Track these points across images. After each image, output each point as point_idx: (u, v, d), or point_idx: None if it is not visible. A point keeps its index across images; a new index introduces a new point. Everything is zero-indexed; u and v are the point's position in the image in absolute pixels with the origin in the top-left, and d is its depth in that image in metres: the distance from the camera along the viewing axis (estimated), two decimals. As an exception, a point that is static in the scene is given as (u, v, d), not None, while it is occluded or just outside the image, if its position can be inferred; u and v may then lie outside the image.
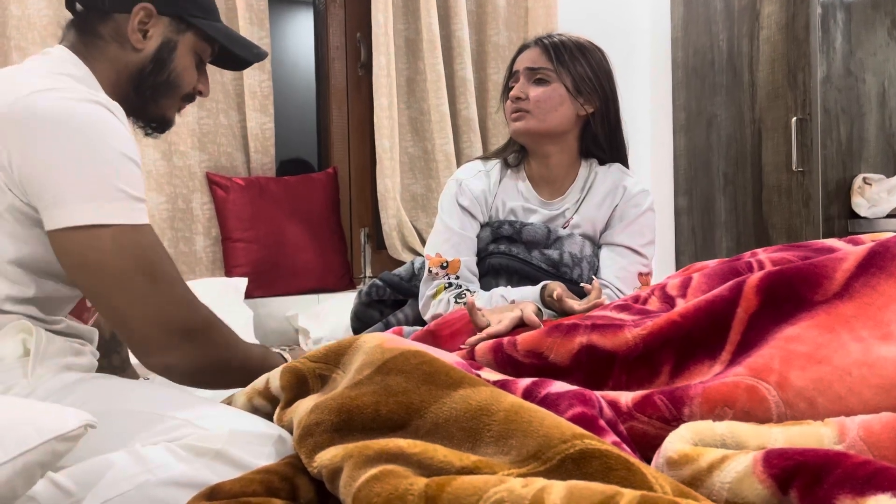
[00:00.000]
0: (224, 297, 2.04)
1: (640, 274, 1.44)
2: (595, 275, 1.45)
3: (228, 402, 0.96)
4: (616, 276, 1.43)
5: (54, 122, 0.88)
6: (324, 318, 2.07)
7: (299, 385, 0.88)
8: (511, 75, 1.50)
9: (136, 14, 1.03)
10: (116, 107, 0.97)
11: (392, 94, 2.38)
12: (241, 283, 2.15)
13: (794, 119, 2.18)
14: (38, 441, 0.66)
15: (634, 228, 1.46)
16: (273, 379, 0.90)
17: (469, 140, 2.50)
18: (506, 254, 1.42)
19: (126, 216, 0.89)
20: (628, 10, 2.80)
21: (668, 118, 2.75)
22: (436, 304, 1.41)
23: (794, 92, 2.20)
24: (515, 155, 1.52)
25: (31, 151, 0.87)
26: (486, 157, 1.56)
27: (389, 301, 1.61)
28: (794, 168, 2.20)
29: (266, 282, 2.25)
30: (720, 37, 2.49)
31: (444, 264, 1.40)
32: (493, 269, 1.44)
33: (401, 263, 2.50)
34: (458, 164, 2.49)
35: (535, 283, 1.33)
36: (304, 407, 0.81)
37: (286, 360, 1.06)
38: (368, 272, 2.56)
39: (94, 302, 0.95)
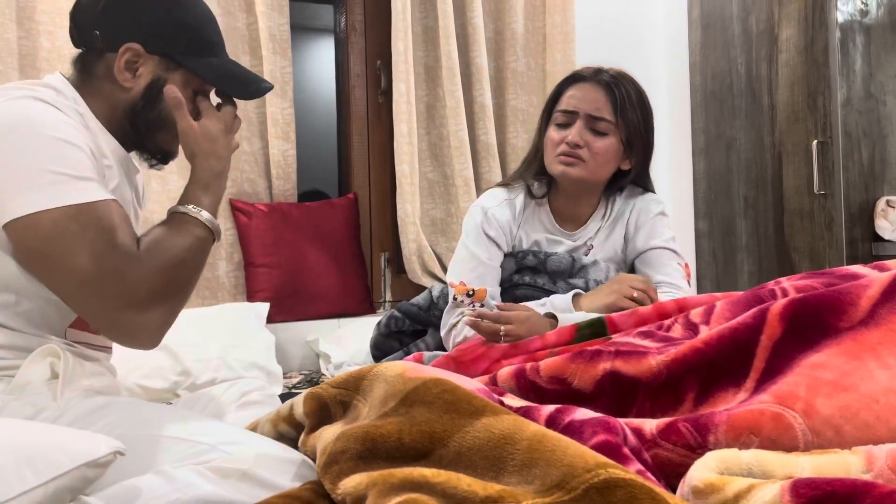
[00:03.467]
0: (246, 322, 2.06)
1: (679, 265, 1.46)
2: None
3: (254, 427, 0.97)
4: (662, 275, 1.44)
5: None
6: (345, 342, 2.08)
7: (322, 411, 0.88)
8: (557, 100, 1.43)
9: (123, 54, 1.05)
10: (52, 95, 0.98)
11: (412, 120, 2.41)
12: (263, 307, 2.17)
13: (815, 142, 2.18)
14: (70, 466, 0.67)
15: (652, 231, 1.48)
16: (297, 405, 0.91)
17: (488, 165, 2.51)
18: (531, 285, 1.40)
19: (62, 197, 0.89)
20: (645, 34, 2.82)
21: (687, 142, 2.75)
22: (457, 332, 1.40)
23: (815, 115, 2.20)
24: (540, 185, 1.49)
25: None
26: (507, 184, 1.52)
27: (409, 331, 1.61)
28: (815, 191, 2.18)
29: (287, 306, 2.27)
30: (738, 60, 2.50)
31: (470, 293, 1.38)
32: (517, 301, 1.41)
33: (421, 288, 2.51)
34: (477, 188, 2.50)
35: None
36: (328, 434, 0.81)
37: (206, 222, 1.01)
38: (388, 296, 2.57)
39: (56, 293, 0.95)
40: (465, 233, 1.47)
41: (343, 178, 2.66)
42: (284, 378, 1.99)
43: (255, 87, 1.15)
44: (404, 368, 0.81)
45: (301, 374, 2.11)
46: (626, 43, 2.77)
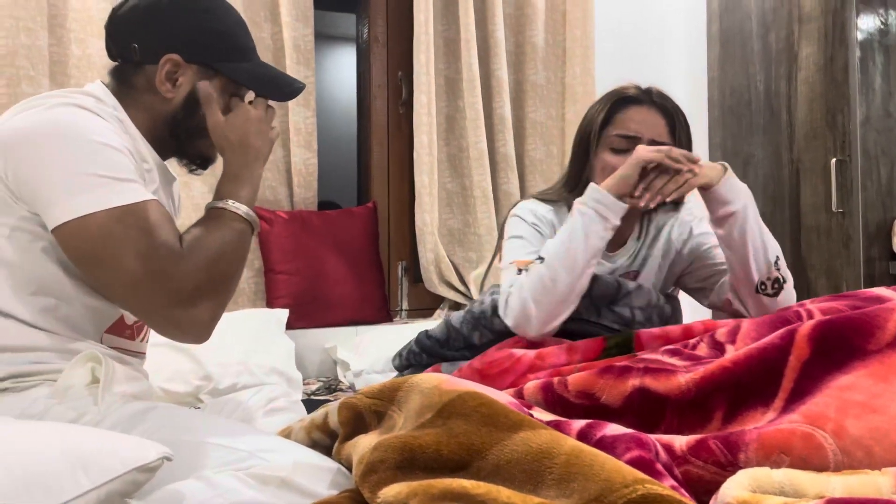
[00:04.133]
0: (266, 328, 2.09)
1: None
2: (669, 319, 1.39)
3: (287, 433, 1.00)
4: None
5: (29, 134, 0.94)
6: (363, 350, 2.10)
7: (356, 420, 0.91)
8: (606, 121, 1.34)
9: (163, 66, 1.08)
10: (93, 102, 1.01)
11: (432, 131, 2.43)
12: (283, 314, 2.19)
13: (833, 160, 2.19)
14: (122, 471, 0.69)
15: (700, 240, 1.46)
16: (332, 414, 0.93)
17: (506, 176, 2.54)
18: (573, 318, 1.28)
19: (107, 200, 0.92)
20: (664, 49, 2.84)
21: (704, 157, 2.77)
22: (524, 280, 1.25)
23: (834, 133, 2.21)
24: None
25: (18, 165, 0.93)
26: (545, 199, 1.45)
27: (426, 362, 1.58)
28: (833, 209, 2.20)
29: (306, 313, 2.29)
30: (757, 77, 2.52)
31: (538, 259, 1.25)
32: (559, 333, 1.29)
33: (438, 297, 2.54)
34: (496, 199, 2.53)
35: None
36: (364, 443, 0.83)
37: (244, 216, 1.03)
38: (405, 305, 2.59)
39: (104, 293, 0.98)
40: (512, 231, 1.39)
41: (362, 187, 2.68)
42: (303, 384, 2.01)
43: (289, 89, 1.17)
44: (440, 381, 0.83)
45: (319, 381, 2.13)
46: (645, 57, 2.79)
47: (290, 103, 2.32)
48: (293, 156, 2.34)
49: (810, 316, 0.98)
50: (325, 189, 2.47)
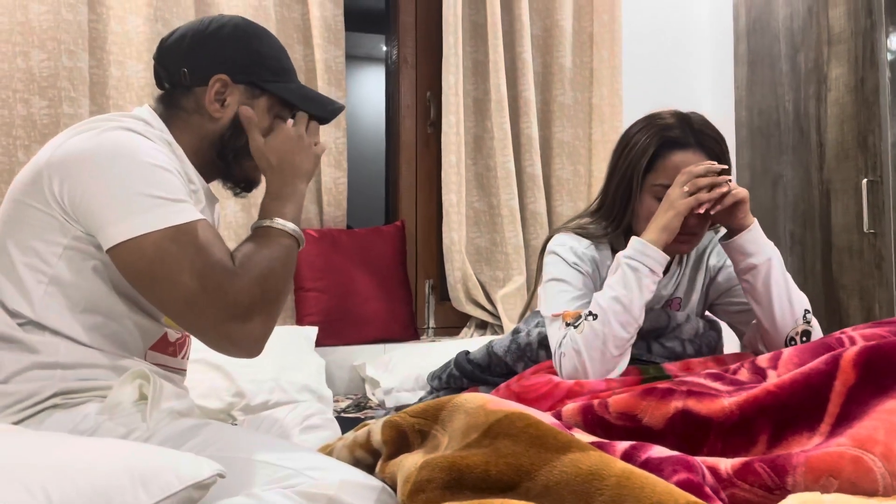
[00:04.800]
0: (297, 346, 2.11)
1: None
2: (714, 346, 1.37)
3: (329, 451, 1.01)
4: None
5: (83, 157, 0.97)
6: (392, 368, 2.11)
7: (400, 439, 0.92)
8: (650, 164, 1.29)
9: (213, 86, 1.11)
10: (142, 126, 1.04)
11: (460, 151, 2.46)
12: (312, 331, 2.21)
13: (864, 181, 2.18)
14: (179, 487, 0.71)
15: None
16: (375, 432, 0.94)
17: (533, 195, 2.55)
18: None
19: (161, 220, 0.95)
20: (690, 69, 2.85)
21: (732, 177, 2.75)
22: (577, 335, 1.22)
23: (865, 154, 2.20)
24: (622, 239, 1.36)
25: (73, 187, 0.96)
26: (584, 234, 1.39)
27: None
28: (865, 230, 2.18)
29: (335, 331, 2.31)
30: (786, 98, 2.51)
31: (590, 315, 1.22)
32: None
33: (465, 316, 2.55)
34: (523, 218, 2.54)
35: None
36: (409, 462, 0.84)
37: (290, 232, 1.06)
38: (432, 323, 2.61)
39: (163, 311, 1.00)
40: (553, 272, 1.35)
41: (390, 205, 2.71)
42: (333, 402, 2.02)
43: (331, 107, 1.21)
44: (485, 400, 0.84)
45: (348, 399, 2.14)
46: (672, 77, 2.80)
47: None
48: (323, 175, 2.38)
49: (852, 342, 0.98)
50: (353, 208, 2.50)
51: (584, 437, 0.93)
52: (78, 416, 0.97)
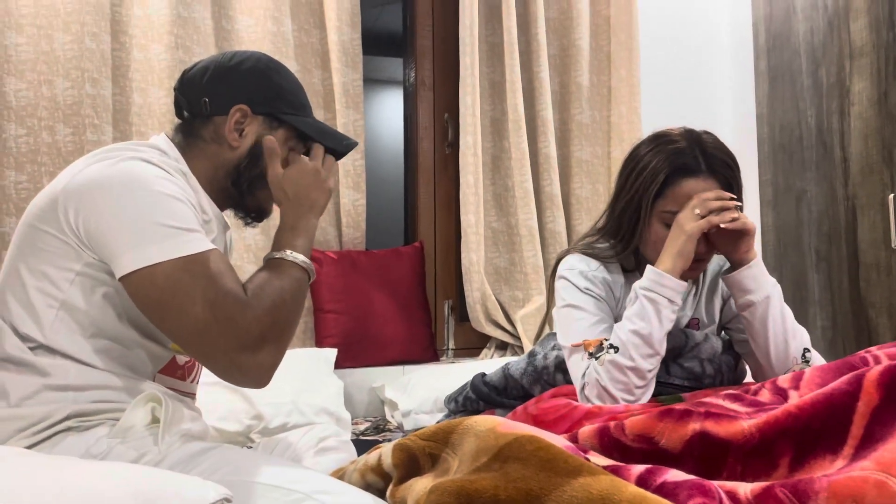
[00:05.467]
0: (316, 367, 2.11)
1: None
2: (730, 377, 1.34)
3: (340, 475, 1.00)
4: None
5: (99, 186, 0.98)
6: (411, 390, 2.10)
7: (411, 462, 0.90)
8: (660, 189, 1.26)
9: (233, 115, 1.14)
10: (157, 156, 1.06)
11: (478, 171, 2.46)
12: (332, 353, 2.21)
13: (891, 196, 2.13)
14: (184, 512, 0.70)
15: None
16: (385, 456, 0.93)
17: (552, 215, 2.54)
18: None
19: (174, 250, 0.95)
20: (710, 86, 2.83)
21: (755, 193, 2.72)
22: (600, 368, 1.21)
23: (891, 168, 2.15)
24: (631, 259, 1.36)
25: (88, 216, 0.97)
26: (593, 255, 1.37)
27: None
28: (893, 245, 2.13)
29: (354, 353, 2.31)
30: (808, 112, 2.48)
31: (611, 348, 1.21)
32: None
33: (484, 336, 2.53)
34: (541, 238, 2.53)
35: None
36: (419, 487, 0.83)
37: (301, 265, 1.06)
38: (451, 344, 2.59)
39: (173, 340, 1.00)
40: (566, 298, 1.33)
41: (409, 226, 2.71)
42: (351, 424, 2.01)
43: (346, 142, 1.23)
44: (495, 423, 0.83)
45: (367, 421, 2.13)
46: (692, 95, 2.78)
47: (340, 146, 2.37)
48: (342, 197, 2.39)
49: (877, 361, 0.95)
50: (372, 229, 2.50)
51: (600, 461, 0.90)
52: (91, 438, 0.97)
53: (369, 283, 2.38)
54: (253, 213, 1.21)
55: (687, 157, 1.26)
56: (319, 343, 2.30)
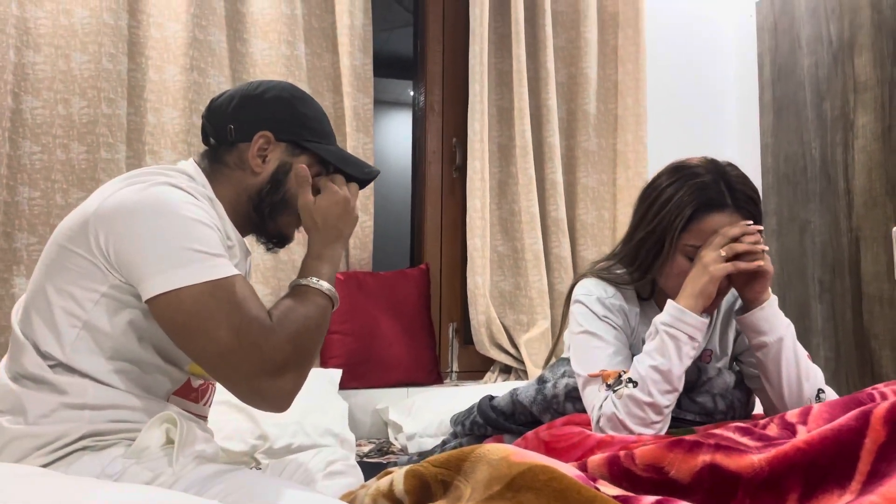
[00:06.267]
0: (321, 388, 2.11)
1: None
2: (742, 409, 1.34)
3: (351, 499, 1.01)
4: None
5: (130, 210, 1.00)
6: (415, 412, 2.11)
7: (423, 489, 0.91)
8: (685, 223, 1.24)
9: (256, 142, 1.16)
10: (186, 181, 1.08)
11: (485, 195, 2.48)
12: (336, 374, 2.22)
13: (894, 229, 2.15)
14: (202, 536, 0.71)
15: None
16: (397, 482, 0.94)
17: (558, 240, 2.56)
18: None
19: (200, 275, 0.97)
20: (716, 117, 2.86)
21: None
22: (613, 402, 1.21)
23: (894, 202, 2.18)
24: (647, 287, 1.36)
25: (118, 238, 0.99)
26: (608, 278, 1.37)
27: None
28: (896, 278, 2.15)
29: (358, 374, 2.32)
30: (812, 144, 2.51)
31: (629, 382, 1.21)
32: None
33: (488, 360, 2.54)
34: (547, 263, 2.55)
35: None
36: (432, 513, 0.84)
37: (326, 292, 1.08)
38: (455, 367, 2.60)
39: (198, 363, 1.02)
40: (583, 324, 1.32)
41: (415, 249, 2.73)
42: (355, 445, 2.02)
43: (368, 170, 1.25)
44: (508, 452, 0.84)
45: (370, 443, 2.13)
46: (698, 125, 2.82)
47: (349, 168, 2.40)
48: (350, 218, 2.41)
49: (884, 397, 0.96)
50: (378, 250, 2.52)
51: (609, 490, 0.91)
52: (106, 458, 0.98)
53: (375, 304, 2.39)
54: (275, 238, 1.23)
55: (712, 192, 1.24)
56: (324, 363, 2.31)
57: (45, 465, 0.98)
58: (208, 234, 1.01)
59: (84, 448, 1.00)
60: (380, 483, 0.98)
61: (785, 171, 2.65)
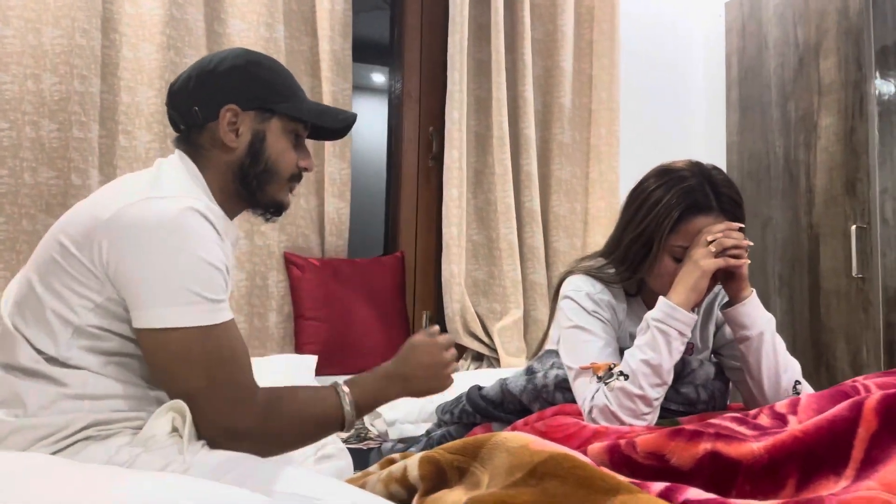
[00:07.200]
0: (297, 374, 2.11)
1: None
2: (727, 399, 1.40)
3: (362, 484, 1.02)
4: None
5: (140, 230, 0.98)
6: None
7: (438, 475, 0.94)
8: (674, 225, 1.29)
9: (224, 116, 1.12)
10: (210, 208, 1.04)
11: (462, 185, 2.50)
12: (312, 360, 2.21)
13: (853, 227, 2.26)
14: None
15: None
16: (412, 468, 0.96)
17: (532, 230, 2.60)
18: None
19: (193, 318, 0.98)
20: (684, 113, 2.95)
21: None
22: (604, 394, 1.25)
23: (853, 201, 2.29)
24: (634, 285, 1.41)
25: (121, 256, 0.98)
26: (597, 277, 1.41)
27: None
28: (853, 274, 2.26)
29: (333, 360, 2.32)
30: (776, 144, 2.61)
31: (620, 375, 1.25)
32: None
33: (461, 348, 2.57)
34: (521, 253, 2.58)
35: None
36: (451, 499, 0.86)
37: (342, 403, 1.09)
38: (428, 354, 2.62)
39: (167, 392, 1.03)
40: (572, 318, 1.36)
41: (389, 237, 2.74)
42: (333, 432, 2.02)
43: (343, 117, 1.22)
44: (527, 440, 0.87)
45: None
46: (667, 120, 2.89)
47: (327, 154, 2.39)
48: (327, 205, 2.40)
49: (867, 390, 1.03)
50: (352, 237, 2.52)
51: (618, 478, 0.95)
52: (112, 447, 0.98)
53: (350, 291, 2.40)
54: (271, 207, 1.20)
55: (698, 195, 1.29)
56: (299, 349, 2.30)
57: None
58: (213, 277, 1.00)
59: (88, 438, 0.99)
60: (392, 469, 1.00)
61: (749, 168, 2.75)
